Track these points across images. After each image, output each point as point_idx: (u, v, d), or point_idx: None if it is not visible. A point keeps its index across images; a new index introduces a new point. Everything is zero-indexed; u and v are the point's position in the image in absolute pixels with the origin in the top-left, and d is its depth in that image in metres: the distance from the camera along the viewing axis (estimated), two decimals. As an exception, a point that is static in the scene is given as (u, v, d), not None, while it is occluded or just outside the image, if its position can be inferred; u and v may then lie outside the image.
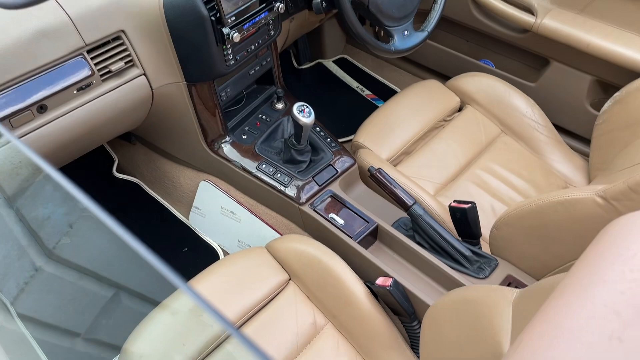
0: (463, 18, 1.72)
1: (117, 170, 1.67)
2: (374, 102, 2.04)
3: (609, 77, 1.49)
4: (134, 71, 1.15)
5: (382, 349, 1.10)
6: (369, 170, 1.26)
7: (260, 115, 1.44)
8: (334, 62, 2.20)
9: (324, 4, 1.29)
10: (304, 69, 2.19)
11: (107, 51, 1.09)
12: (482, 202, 1.40)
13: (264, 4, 1.22)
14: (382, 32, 1.38)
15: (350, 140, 1.89)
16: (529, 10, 1.55)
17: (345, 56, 2.20)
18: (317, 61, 2.20)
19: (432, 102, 1.60)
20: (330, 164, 1.34)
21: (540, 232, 1.05)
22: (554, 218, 1.01)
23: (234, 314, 1.08)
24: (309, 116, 1.25)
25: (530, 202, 1.05)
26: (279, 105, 1.47)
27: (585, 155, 1.53)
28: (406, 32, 1.38)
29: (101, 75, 1.10)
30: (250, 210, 1.39)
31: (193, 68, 1.20)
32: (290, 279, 1.19)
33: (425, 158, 1.48)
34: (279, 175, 1.31)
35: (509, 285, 1.12)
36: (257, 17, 1.21)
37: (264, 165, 1.33)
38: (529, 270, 1.13)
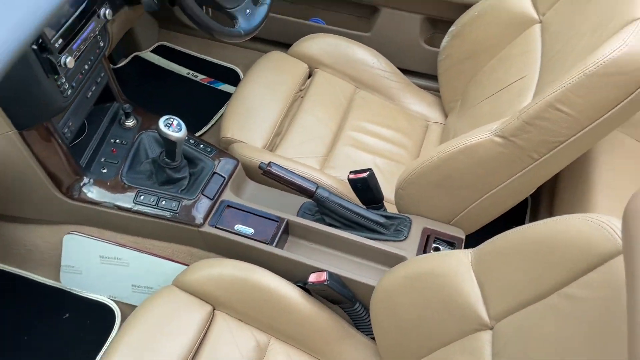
0: None
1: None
2: (212, 85, 1.90)
3: (436, 13, 1.58)
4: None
5: (335, 344, 1.08)
6: (259, 167, 1.17)
7: (112, 140, 1.24)
8: (152, 52, 1.98)
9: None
10: (121, 67, 1.94)
11: None
12: (365, 162, 1.41)
13: (87, 14, 1.01)
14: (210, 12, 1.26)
15: (207, 132, 1.76)
16: None
17: (164, 43, 1.99)
18: (133, 55, 1.96)
19: (283, 75, 1.54)
20: (215, 172, 1.22)
21: (446, 182, 1.09)
22: (457, 167, 1.05)
23: None
24: (180, 129, 1.10)
25: (432, 157, 1.07)
26: (130, 123, 1.28)
27: (435, 91, 1.63)
28: (248, 11, 1.28)
29: None
30: (138, 249, 1.21)
31: (22, 111, 0.96)
32: (214, 309, 1.08)
33: (299, 134, 1.44)
34: (163, 202, 1.15)
35: (427, 237, 1.16)
36: (84, 32, 1.00)
37: (142, 197, 1.15)
38: (439, 217, 1.18)
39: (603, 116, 0.88)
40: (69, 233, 1.22)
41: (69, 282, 1.28)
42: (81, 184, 1.15)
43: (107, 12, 1.05)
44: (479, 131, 1.02)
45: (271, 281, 1.06)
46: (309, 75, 1.60)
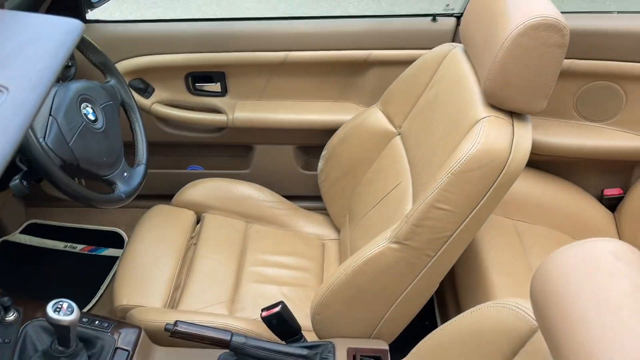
0: (157, 137, 1.68)
1: None
2: (94, 253, 1.80)
3: (306, 141, 1.69)
4: None
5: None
6: (166, 329, 1.10)
7: (-9, 341, 1.09)
8: (21, 233, 1.85)
9: (25, 182, 1.08)
10: (-11, 257, 1.77)
11: None
12: (273, 294, 1.40)
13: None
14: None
15: (96, 304, 1.63)
16: (216, 110, 1.64)
17: (34, 220, 1.87)
18: (0, 240, 1.81)
19: (171, 227, 1.52)
20: (117, 347, 1.12)
21: (358, 297, 1.11)
22: (364, 280, 1.08)
23: None
24: (72, 311, 1.01)
25: (339, 276, 1.10)
26: (11, 317, 1.14)
27: (322, 210, 1.70)
28: (125, 174, 1.27)
29: None
30: None
31: None
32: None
33: (199, 283, 1.39)
34: (64, 399, 1.02)
35: (354, 357, 1.14)
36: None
37: (36, 399, 1.01)
38: (360, 333, 1.18)
39: (477, 205, 0.98)
40: None
41: None
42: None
43: None
44: (375, 242, 1.07)
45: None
46: (198, 222, 1.59)
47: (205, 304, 1.33)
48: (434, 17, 1.48)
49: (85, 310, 1.48)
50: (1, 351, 1.09)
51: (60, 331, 1.02)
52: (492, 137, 0.96)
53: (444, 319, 1.53)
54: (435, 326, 1.54)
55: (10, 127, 0.57)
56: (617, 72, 1.39)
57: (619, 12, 1.43)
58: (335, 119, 1.60)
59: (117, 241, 1.83)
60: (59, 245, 1.82)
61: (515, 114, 1.01)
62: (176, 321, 1.11)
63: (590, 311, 0.42)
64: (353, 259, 1.09)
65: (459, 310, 1.41)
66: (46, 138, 1.06)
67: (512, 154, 0.96)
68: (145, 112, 1.62)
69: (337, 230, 1.61)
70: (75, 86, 1.19)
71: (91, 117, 1.18)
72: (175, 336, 1.10)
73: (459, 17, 1.48)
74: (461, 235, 1.01)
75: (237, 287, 1.41)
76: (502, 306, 0.65)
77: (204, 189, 1.61)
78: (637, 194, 1.48)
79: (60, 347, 1.05)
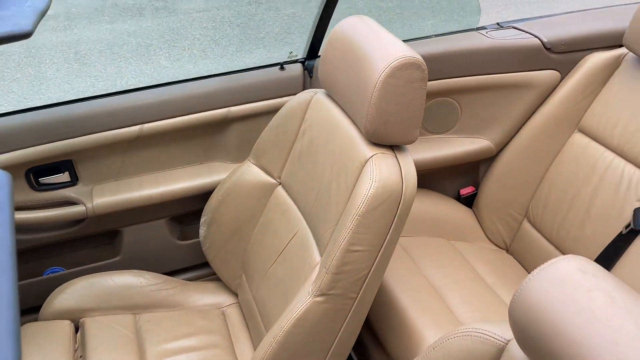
0: None
1: None
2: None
3: (178, 210, 1.60)
4: None
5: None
6: None
7: None
8: None
9: None
10: None
11: None
12: None
13: None
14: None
15: None
16: (69, 202, 1.47)
17: None
18: None
19: (49, 349, 1.30)
20: None
21: (295, 359, 1.07)
22: (297, 340, 1.05)
23: None
24: None
25: (270, 345, 1.05)
26: None
27: (211, 276, 1.62)
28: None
29: None
30: None
31: None
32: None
33: None
34: None
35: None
36: None
37: None
38: None
39: (386, 238, 1.03)
40: None
41: None
42: None
43: None
44: (297, 300, 1.06)
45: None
46: (77, 330, 1.40)
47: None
48: (282, 65, 1.52)
49: None
50: None
51: None
52: (384, 173, 1.01)
53: (361, 357, 1.56)
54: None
55: None
56: (451, 87, 1.57)
57: (436, 36, 1.64)
58: (206, 181, 1.54)
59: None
60: None
61: (395, 147, 1.09)
62: None
63: (583, 328, 0.46)
64: (279, 324, 1.06)
65: (375, 338, 1.45)
66: None
67: (404, 184, 1.02)
68: (-19, 223, 1.38)
69: (234, 293, 1.55)
70: None
71: None
72: None
73: (303, 63, 1.55)
74: (376, 270, 1.05)
75: (146, 390, 1.26)
76: (464, 335, 0.69)
77: (76, 291, 1.42)
78: (487, 188, 1.69)
79: None
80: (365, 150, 1.06)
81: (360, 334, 1.17)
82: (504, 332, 0.65)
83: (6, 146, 1.33)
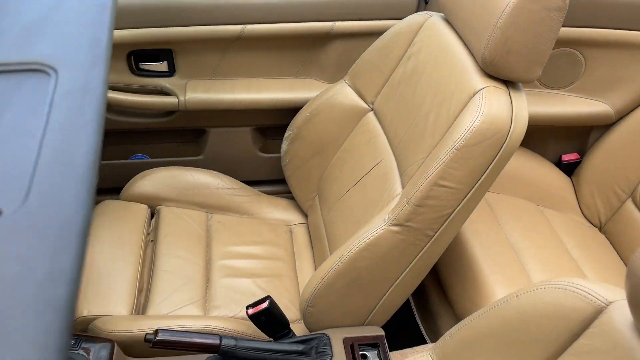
0: None
1: None
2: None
3: (265, 122, 1.59)
4: None
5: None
6: (146, 340, 0.98)
7: None
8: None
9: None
10: None
11: None
12: (247, 288, 1.30)
13: None
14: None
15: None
16: (165, 92, 1.48)
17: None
18: None
19: (123, 225, 1.37)
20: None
21: (355, 284, 1.05)
22: (363, 265, 1.02)
23: None
24: None
25: (335, 264, 1.03)
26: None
27: (285, 194, 1.61)
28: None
29: None
30: None
31: None
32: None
33: (165, 283, 1.26)
34: None
35: (351, 347, 1.08)
36: None
37: None
38: (353, 321, 1.12)
39: (479, 180, 0.95)
40: None
41: None
42: None
43: None
44: (372, 225, 1.01)
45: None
46: (152, 216, 1.45)
47: (176, 306, 1.22)
48: (398, -16, 1.42)
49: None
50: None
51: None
52: (494, 108, 0.92)
53: (419, 301, 1.51)
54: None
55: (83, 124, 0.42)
56: (577, 38, 1.40)
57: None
58: (296, 97, 1.50)
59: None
60: None
61: (510, 83, 0.98)
62: (156, 330, 0.99)
63: None
64: (347, 245, 1.03)
65: (439, 284, 1.39)
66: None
67: (512, 124, 0.93)
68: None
69: (304, 214, 1.54)
70: None
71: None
72: (157, 346, 0.98)
73: (421, -16, 1.43)
74: (461, 212, 0.98)
75: (207, 284, 1.29)
76: (558, 287, 0.62)
77: (156, 180, 1.46)
78: (593, 158, 1.53)
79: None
80: (477, 80, 0.97)
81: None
82: (607, 293, 0.57)
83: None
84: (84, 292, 1.19)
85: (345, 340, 1.09)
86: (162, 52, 1.44)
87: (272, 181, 1.67)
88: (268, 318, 1.07)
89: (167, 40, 1.40)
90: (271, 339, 1.10)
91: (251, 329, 1.13)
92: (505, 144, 0.92)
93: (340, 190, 1.33)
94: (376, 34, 1.33)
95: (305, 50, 1.49)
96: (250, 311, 1.07)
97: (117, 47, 1.39)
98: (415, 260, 1.02)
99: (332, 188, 1.37)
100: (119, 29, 1.37)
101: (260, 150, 1.65)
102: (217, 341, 1.01)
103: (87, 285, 1.20)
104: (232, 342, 1.02)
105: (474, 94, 0.94)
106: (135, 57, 1.44)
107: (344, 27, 1.42)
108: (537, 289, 0.65)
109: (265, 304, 1.06)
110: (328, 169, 1.41)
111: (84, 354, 1.01)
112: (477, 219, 1.38)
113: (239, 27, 1.39)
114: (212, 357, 1.09)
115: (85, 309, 1.15)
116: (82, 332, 1.09)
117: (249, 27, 1.39)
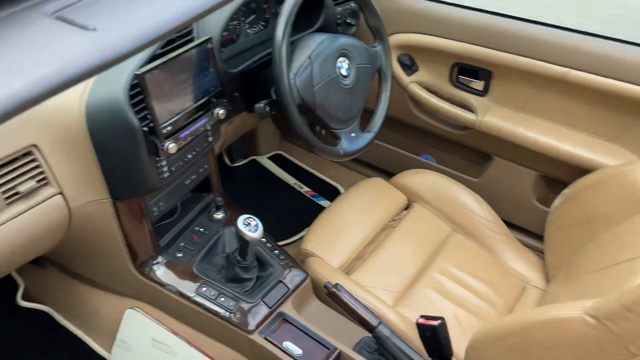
0: (403, 115, 1.70)
1: (23, 298, 1.41)
2: (313, 199, 1.94)
3: (553, 172, 1.49)
4: (48, 190, 0.97)
5: None
6: (325, 286, 1.13)
7: (196, 228, 1.28)
8: (269, 158, 2.10)
9: (268, 108, 1.20)
10: (238, 167, 2.07)
11: (14, 169, 0.91)
12: (444, 310, 1.30)
13: (202, 110, 1.10)
14: (323, 131, 1.31)
15: (293, 242, 1.77)
16: (469, 108, 1.55)
17: (281, 152, 2.11)
18: (251, 158, 2.09)
19: (379, 202, 1.52)
20: (281, 281, 1.19)
21: (525, 354, 0.94)
22: (539, 339, 0.91)
23: None
24: (256, 230, 1.11)
25: (513, 321, 0.95)
26: (218, 215, 1.32)
27: (538, 251, 1.49)
28: (353, 134, 1.31)
29: (6, 199, 0.91)
30: (188, 342, 1.19)
31: (120, 183, 1.04)
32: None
33: (380, 263, 1.37)
34: (222, 299, 1.14)
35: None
36: (195, 124, 1.09)
37: (204, 288, 1.15)
38: None
39: None
40: (132, 308, 1.24)
41: (118, 357, 1.28)
42: (153, 263, 1.19)
43: (220, 112, 1.14)
44: (571, 305, 0.89)
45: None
46: (406, 207, 1.56)
47: (376, 285, 1.32)
48: None
49: (279, 243, 1.61)
50: (199, 238, 1.27)
51: (242, 243, 1.14)
52: None
53: None
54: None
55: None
56: None
57: None
58: (596, 159, 1.36)
59: (335, 196, 1.93)
60: (291, 180, 2.01)
61: None
62: (337, 284, 1.12)
63: None
64: (538, 310, 0.93)
65: None
66: (297, 76, 1.15)
67: None
68: (401, 88, 1.63)
69: (547, 279, 1.40)
70: (342, 40, 1.25)
71: (344, 72, 1.24)
72: (330, 296, 1.11)
73: None
74: None
75: (412, 284, 1.35)
76: None
77: (425, 179, 1.56)
78: None
79: (238, 257, 1.17)
80: None
81: None
82: None
83: (447, 32, 1.48)
84: (318, 233, 1.40)
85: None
86: (483, 71, 1.51)
87: (532, 234, 1.56)
88: (432, 336, 1.07)
89: (490, 62, 1.46)
90: (428, 358, 1.10)
91: (419, 340, 1.15)
92: None
93: (584, 270, 1.17)
94: None
95: (628, 115, 1.32)
96: (420, 320, 1.08)
97: (446, 56, 1.53)
98: None
99: (580, 265, 1.22)
100: (451, 40, 1.49)
101: (537, 200, 1.56)
102: (374, 323, 1.07)
103: (323, 229, 1.42)
104: (386, 332, 1.07)
105: None
106: (459, 70, 1.55)
107: None
108: None
109: (435, 322, 1.06)
110: (588, 245, 1.24)
111: (284, 271, 1.22)
112: None
113: (563, 70, 1.34)
114: (368, 338, 1.17)
115: (311, 244, 1.37)
116: (297, 260, 1.31)
117: (574, 72, 1.32)
